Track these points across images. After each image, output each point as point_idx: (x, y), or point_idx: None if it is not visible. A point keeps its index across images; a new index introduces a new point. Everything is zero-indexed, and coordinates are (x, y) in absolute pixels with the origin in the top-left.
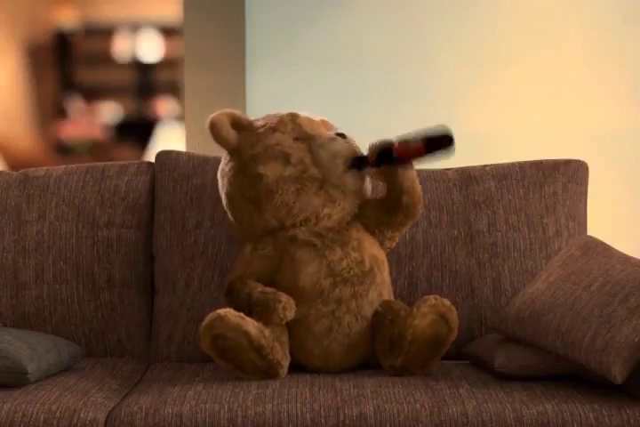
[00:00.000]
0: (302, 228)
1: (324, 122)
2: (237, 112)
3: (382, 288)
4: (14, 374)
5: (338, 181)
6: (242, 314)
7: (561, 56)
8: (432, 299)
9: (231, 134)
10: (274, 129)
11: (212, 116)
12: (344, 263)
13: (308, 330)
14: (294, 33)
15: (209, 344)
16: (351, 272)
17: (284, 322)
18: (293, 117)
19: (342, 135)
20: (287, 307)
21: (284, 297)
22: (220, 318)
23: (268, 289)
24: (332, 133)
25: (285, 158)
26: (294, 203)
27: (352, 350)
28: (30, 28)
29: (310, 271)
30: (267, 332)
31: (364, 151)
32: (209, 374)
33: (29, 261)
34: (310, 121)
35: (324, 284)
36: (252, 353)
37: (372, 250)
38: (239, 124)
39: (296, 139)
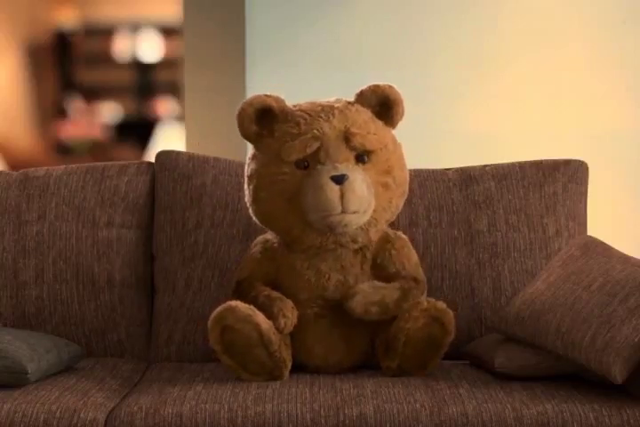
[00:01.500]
0: (311, 251)
1: None
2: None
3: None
4: (14, 374)
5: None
6: (252, 307)
7: (561, 56)
8: (424, 302)
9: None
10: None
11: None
12: (337, 294)
13: (309, 329)
14: (294, 33)
15: (217, 337)
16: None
17: (282, 333)
18: None
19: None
20: (288, 323)
21: (288, 311)
22: (230, 308)
23: (275, 294)
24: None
25: None
26: None
27: (352, 348)
28: (30, 28)
29: (302, 297)
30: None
31: None
32: (209, 374)
33: (29, 261)
34: None
35: (318, 303)
36: (260, 349)
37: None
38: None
39: None
